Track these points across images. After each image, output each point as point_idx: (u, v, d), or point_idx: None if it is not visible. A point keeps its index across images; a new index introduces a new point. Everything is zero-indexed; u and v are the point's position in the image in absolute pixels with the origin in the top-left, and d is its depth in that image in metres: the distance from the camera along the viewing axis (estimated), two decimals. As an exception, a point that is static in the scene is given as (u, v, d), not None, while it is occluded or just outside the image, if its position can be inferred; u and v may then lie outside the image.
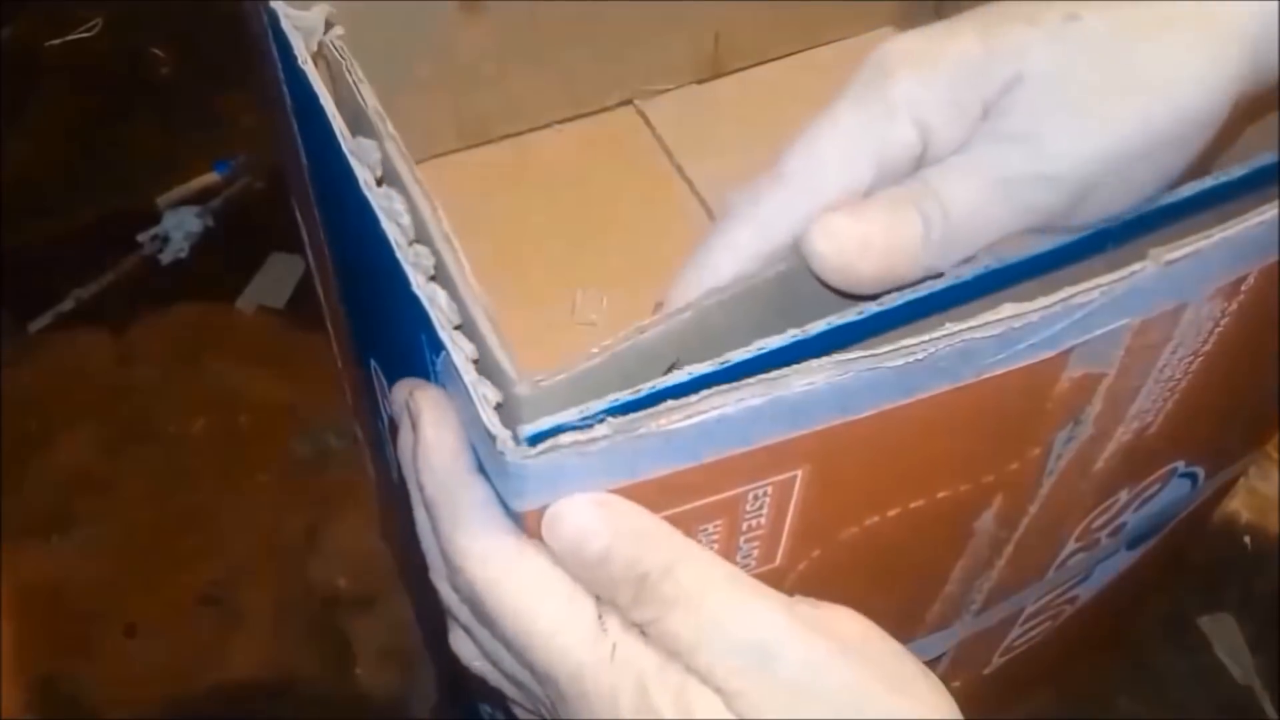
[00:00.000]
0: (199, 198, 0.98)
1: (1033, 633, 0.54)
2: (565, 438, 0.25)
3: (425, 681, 0.75)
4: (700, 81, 0.62)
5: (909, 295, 0.27)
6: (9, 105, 1.03)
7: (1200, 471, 0.47)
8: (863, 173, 0.29)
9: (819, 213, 0.29)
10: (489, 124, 0.59)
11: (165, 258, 0.95)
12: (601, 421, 0.25)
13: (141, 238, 0.95)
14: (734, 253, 0.30)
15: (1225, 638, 0.75)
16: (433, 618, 0.58)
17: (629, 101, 0.62)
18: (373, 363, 0.41)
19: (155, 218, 0.97)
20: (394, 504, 0.58)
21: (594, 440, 0.25)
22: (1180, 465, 0.44)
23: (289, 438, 0.85)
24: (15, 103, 1.03)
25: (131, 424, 0.86)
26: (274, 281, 0.93)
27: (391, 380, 0.39)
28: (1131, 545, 0.51)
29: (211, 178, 0.99)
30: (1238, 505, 0.79)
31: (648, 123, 0.61)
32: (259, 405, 0.87)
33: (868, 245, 0.28)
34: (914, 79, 0.29)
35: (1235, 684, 0.74)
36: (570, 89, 0.60)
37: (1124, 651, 0.73)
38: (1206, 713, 0.73)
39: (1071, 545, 0.44)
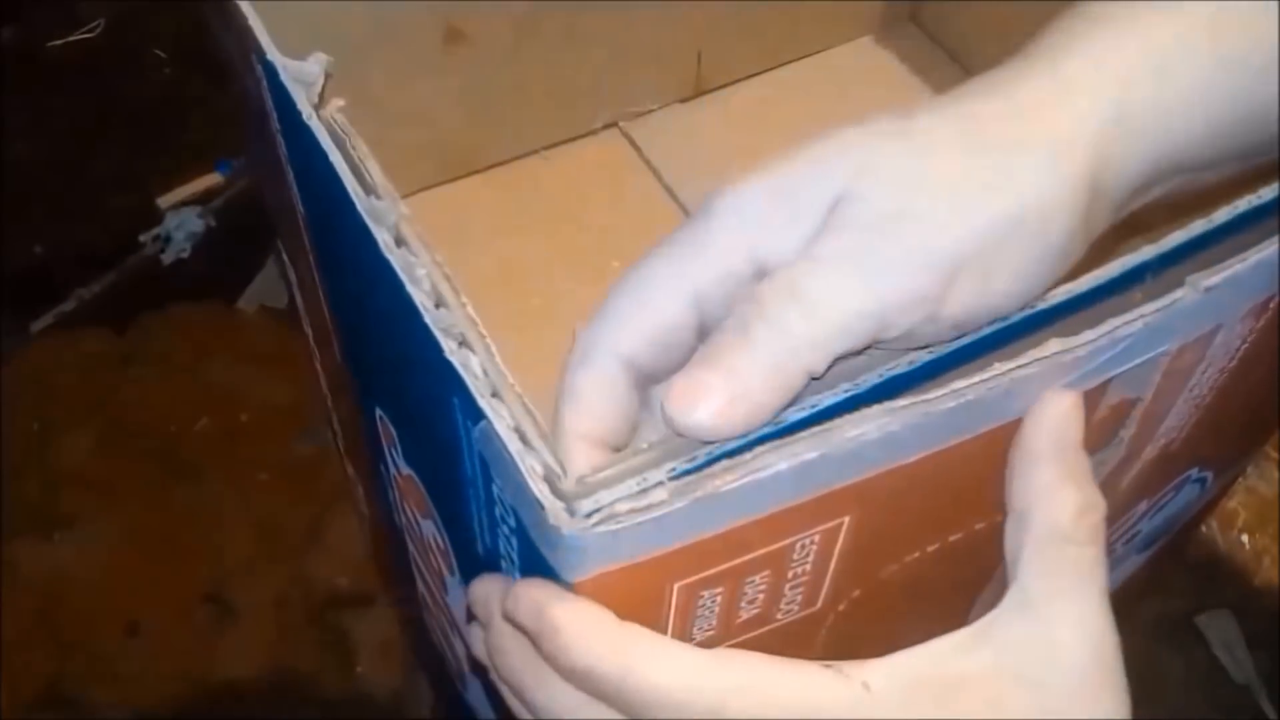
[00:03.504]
0: (201, 198, 0.98)
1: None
2: (621, 505, 0.24)
3: (425, 679, 0.75)
4: (684, 100, 0.62)
5: (958, 343, 0.27)
6: (11, 105, 1.03)
7: (1210, 474, 0.47)
8: (683, 312, 0.29)
9: (670, 379, 0.28)
10: (474, 155, 0.59)
11: (167, 258, 0.95)
12: (658, 486, 0.24)
13: (144, 238, 0.96)
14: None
15: (1223, 635, 0.75)
16: (421, 629, 0.58)
17: (614, 124, 0.61)
18: (378, 411, 0.41)
19: (157, 218, 0.97)
20: (384, 538, 0.58)
21: (651, 506, 0.24)
22: (1194, 472, 0.44)
23: (290, 437, 0.86)
24: (17, 103, 1.03)
25: (133, 423, 0.86)
26: (275, 281, 0.93)
27: (403, 433, 0.38)
28: (1142, 549, 0.51)
29: (213, 178, 0.99)
30: (1236, 504, 0.79)
31: (634, 144, 0.61)
32: (260, 404, 0.87)
33: (738, 396, 0.26)
34: (733, 201, 0.29)
35: (1233, 682, 0.74)
36: (554, 115, 0.59)
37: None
38: (1204, 711, 0.73)
39: None
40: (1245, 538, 0.79)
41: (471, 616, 0.32)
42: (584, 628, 0.26)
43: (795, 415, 0.26)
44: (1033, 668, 0.28)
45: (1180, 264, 0.29)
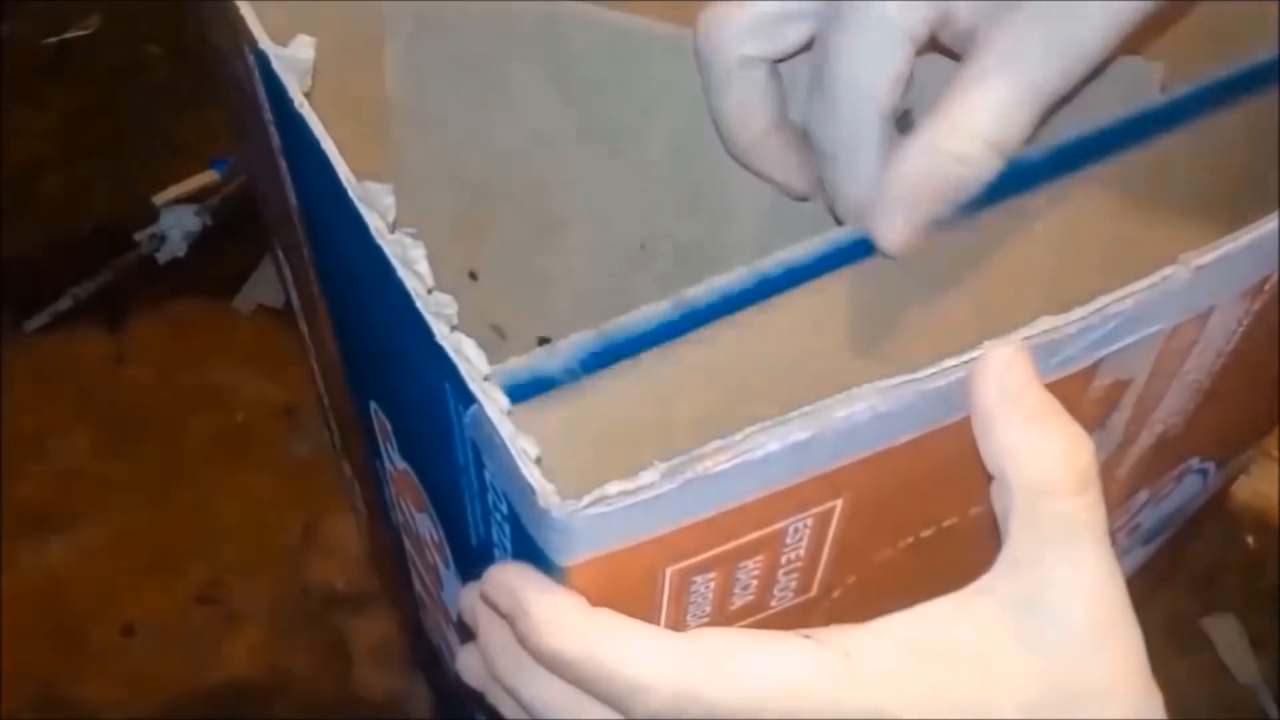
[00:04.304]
0: (196, 196, 0.98)
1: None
2: (612, 487, 0.24)
3: (422, 681, 0.75)
4: None
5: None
6: (5, 103, 1.03)
7: (1212, 466, 0.47)
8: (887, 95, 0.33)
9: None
10: None
11: (163, 256, 0.95)
12: (649, 467, 0.24)
13: (139, 236, 0.95)
14: None
15: (1227, 638, 0.75)
16: (418, 629, 0.58)
17: None
18: (373, 405, 0.41)
19: (152, 216, 0.96)
20: (380, 537, 0.58)
21: (641, 489, 0.24)
22: (1194, 462, 0.44)
23: (286, 437, 0.85)
24: (11, 101, 1.03)
25: (128, 423, 0.86)
26: (271, 280, 0.92)
27: (397, 426, 0.38)
28: (1145, 543, 0.51)
29: (209, 176, 0.99)
30: (1240, 505, 0.79)
31: None
32: (256, 404, 0.87)
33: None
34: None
35: (1237, 684, 0.74)
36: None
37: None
38: (1209, 714, 0.73)
39: None
40: (1250, 539, 0.79)
41: (465, 635, 0.32)
42: (551, 611, 0.26)
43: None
44: (1027, 627, 0.27)
45: (1136, 142, 0.31)
